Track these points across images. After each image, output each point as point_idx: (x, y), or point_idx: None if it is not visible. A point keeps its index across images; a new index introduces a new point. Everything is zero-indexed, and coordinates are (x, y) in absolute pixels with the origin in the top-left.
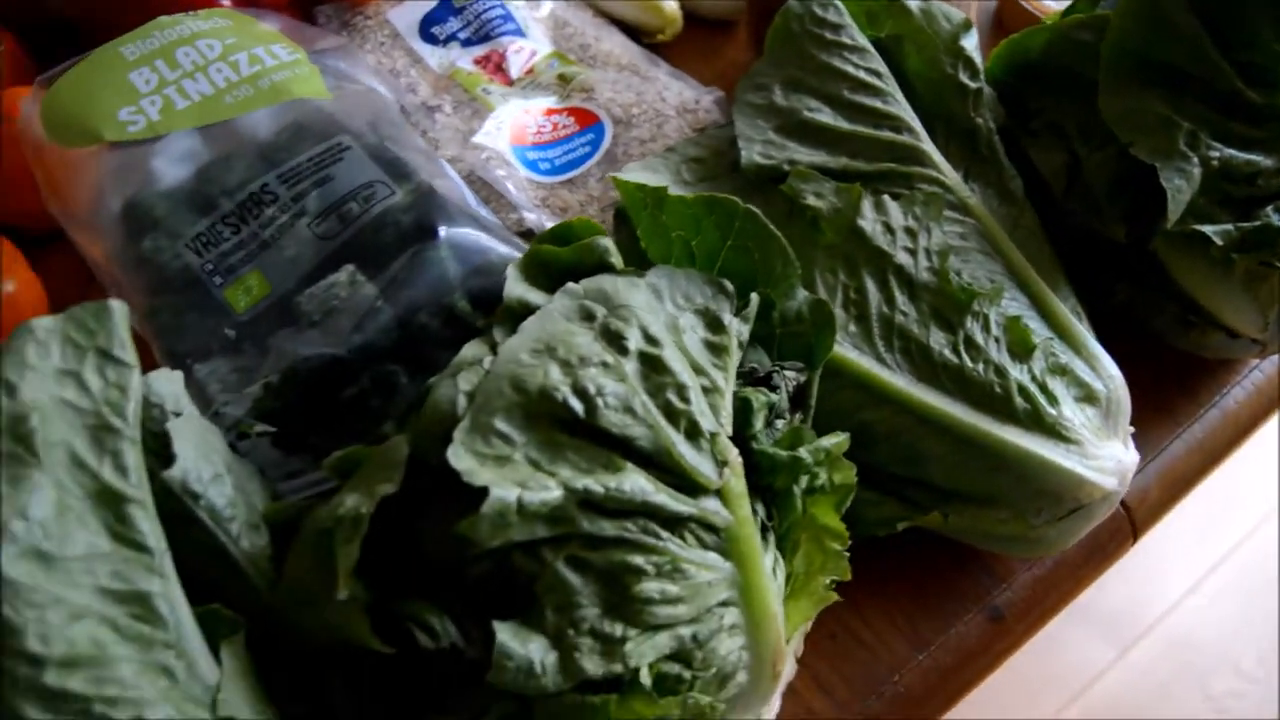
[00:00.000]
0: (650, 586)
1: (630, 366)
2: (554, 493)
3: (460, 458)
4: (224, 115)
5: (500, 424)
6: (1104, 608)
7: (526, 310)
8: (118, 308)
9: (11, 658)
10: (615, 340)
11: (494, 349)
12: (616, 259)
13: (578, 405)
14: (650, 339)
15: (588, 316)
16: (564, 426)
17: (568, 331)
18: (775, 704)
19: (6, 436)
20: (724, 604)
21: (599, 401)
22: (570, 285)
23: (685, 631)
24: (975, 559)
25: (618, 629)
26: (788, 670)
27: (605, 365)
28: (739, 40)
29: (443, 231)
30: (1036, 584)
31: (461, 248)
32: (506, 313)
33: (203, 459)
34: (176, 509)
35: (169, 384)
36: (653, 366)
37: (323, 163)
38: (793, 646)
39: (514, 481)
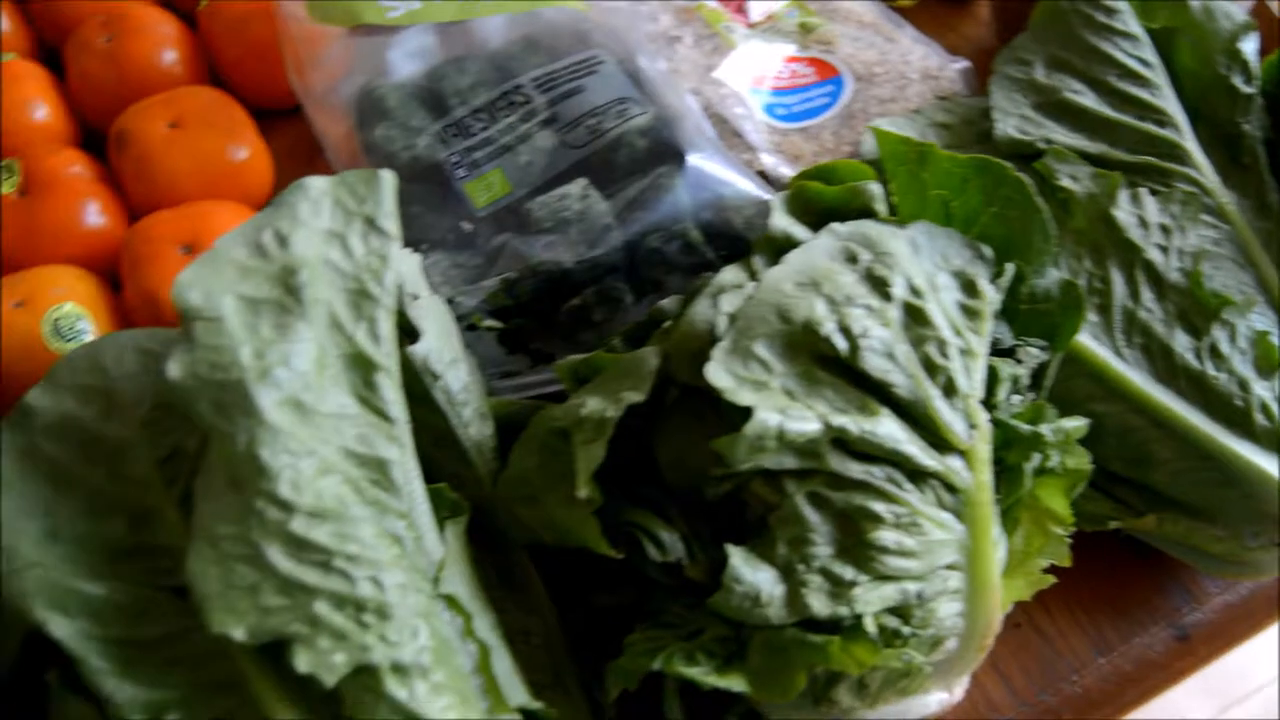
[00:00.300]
0: (886, 535)
1: (894, 313)
2: (813, 425)
3: (719, 376)
4: (485, 12)
5: (760, 349)
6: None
7: (789, 243)
8: (388, 178)
9: (263, 500)
10: (880, 285)
11: (754, 276)
12: (881, 206)
13: (842, 343)
14: (914, 290)
15: (851, 258)
16: (823, 362)
17: (832, 269)
18: (967, 680)
19: (278, 284)
20: (950, 566)
21: (862, 343)
22: (835, 225)
23: (911, 587)
24: (1170, 572)
25: (848, 572)
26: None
27: (869, 308)
28: (976, 15)
29: (688, 159)
30: (1228, 610)
31: (702, 178)
32: (768, 243)
33: (444, 341)
34: (414, 386)
35: (408, 264)
36: (915, 317)
37: (577, 72)
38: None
39: (774, 408)
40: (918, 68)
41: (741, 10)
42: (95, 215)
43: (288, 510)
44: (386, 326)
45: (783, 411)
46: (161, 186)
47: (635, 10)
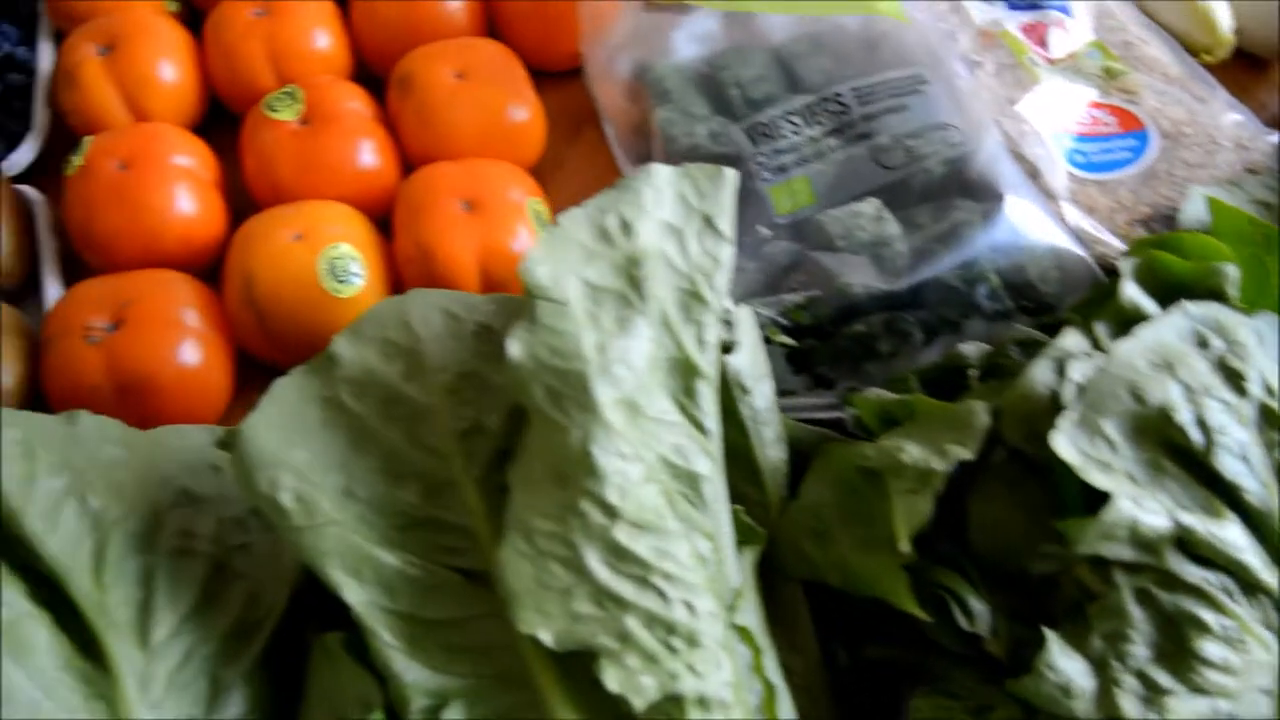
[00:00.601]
0: (1210, 648)
1: (1249, 411)
2: (1163, 520)
3: (1068, 450)
4: (805, 9)
5: (1109, 428)
6: None
7: (1137, 315)
8: (730, 178)
9: (589, 501)
10: (1234, 378)
11: (1096, 344)
12: (1233, 291)
13: (1197, 436)
14: (1269, 389)
15: (1202, 343)
16: (1172, 452)
17: (1184, 353)
18: None
19: (621, 274)
20: (1263, 691)
21: (1219, 439)
22: (1187, 305)
23: (1224, 705)
24: None
25: (1164, 679)
26: None
27: (1226, 403)
28: (1273, 81)
29: (1007, 201)
30: None
31: (1013, 221)
32: (1115, 312)
33: (755, 354)
34: (722, 398)
35: None
36: (1269, 420)
37: (900, 90)
38: None
39: (1129, 496)
40: (1229, 135)
41: (1043, 43)
42: (370, 154)
43: (612, 516)
44: (713, 333)
45: (1136, 501)
46: (441, 136)
47: (943, 28)
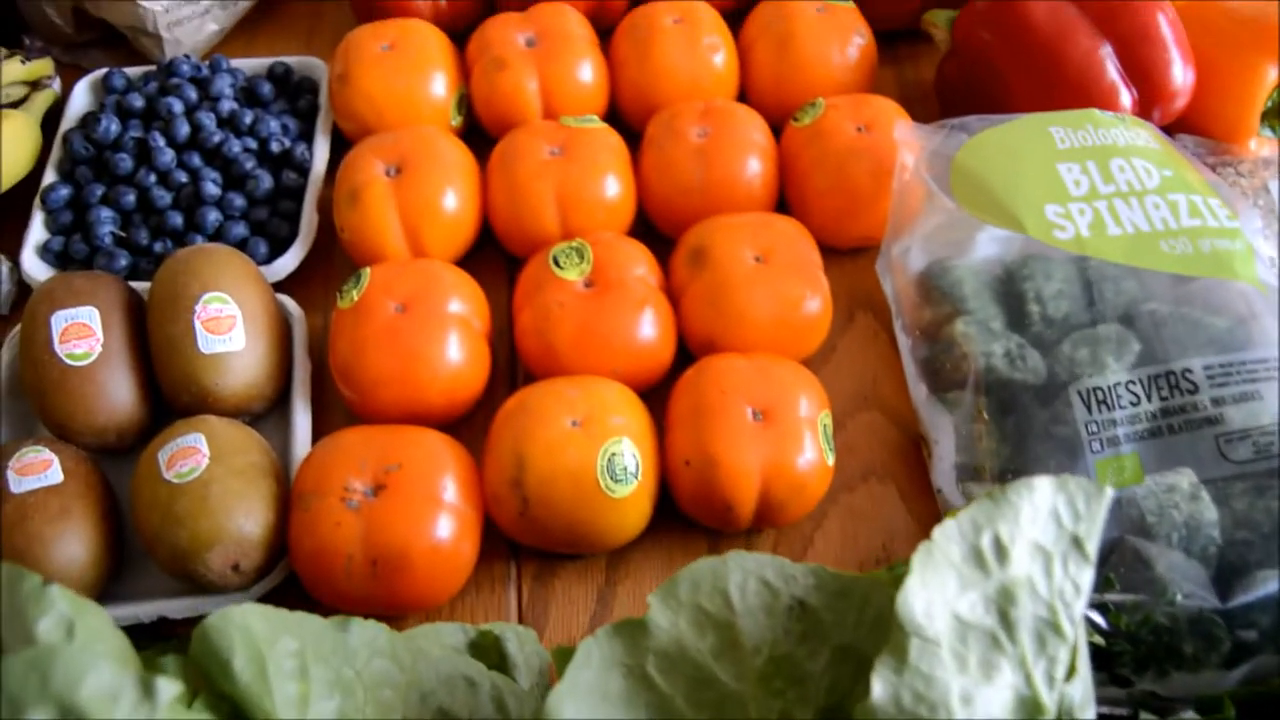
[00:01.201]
0: None
1: None
2: None
3: None
4: (1154, 263)
5: None
6: None
7: None
8: (1108, 499)
9: None
10: None
11: None
12: None
13: None
14: None
15: None
16: None
17: None
18: None
19: (992, 608)
20: None
21: None
22: None
23: None
24: None
25: None
26: None
27: None
28: None
29: None
30: None
31: None
32: None
33: (1088, 679)
34: None
35: None
36: None
37: (1255, 374)
38: None
39: None
40: None
41: None
42: (651, 327)
43: None
44: (1063, 669)
45: None
46: (731, 321)
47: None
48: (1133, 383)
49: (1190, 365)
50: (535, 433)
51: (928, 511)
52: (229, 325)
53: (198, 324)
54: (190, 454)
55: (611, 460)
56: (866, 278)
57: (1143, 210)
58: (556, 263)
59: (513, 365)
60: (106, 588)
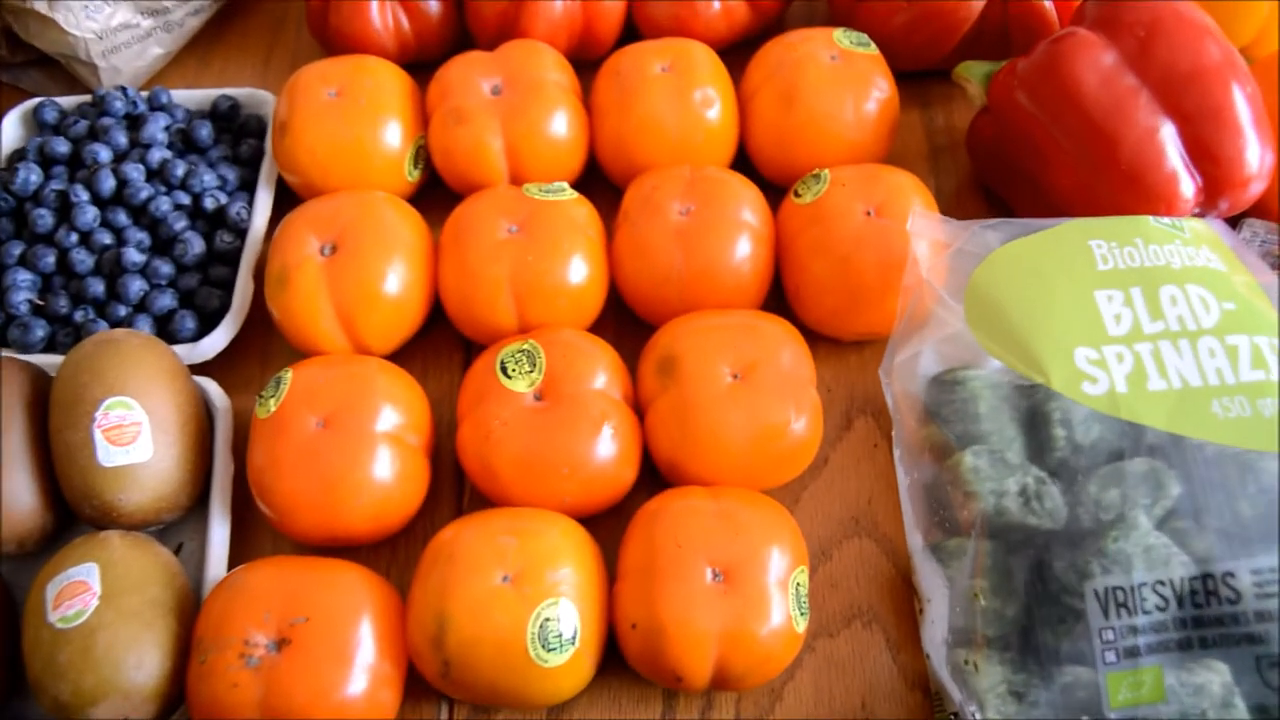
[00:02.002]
0: None
1: None
2: None
3: None
4: (1202, 430)
5: None
6: None
7: None
8: None
9: None
10: None
11: None
12: None
13: None
14: None
15: None
16: None
17: None
18: None
19: None
20: None
21: None
22: None
23: None
24: None
25: None
26: None
27: None
28: None
29: None
30: None
31: None
32: None
33: None
34: None
35: None
36: None
37: None
38: None
39: None
40: None
41: None
42: (608, 447)
43: None
44: None
45: None
46: (701, 447)
47: None
48: (1161, 584)
49: (1233, 569)
50: (460, 588)
51: (916, 666)
52: (133, 435)
53: (98, 433)
54: (79, 592)
55: (544, 626)
56: (870, 375)
57: (1194, 358)
58: (504, 370)
59: (460, 471)
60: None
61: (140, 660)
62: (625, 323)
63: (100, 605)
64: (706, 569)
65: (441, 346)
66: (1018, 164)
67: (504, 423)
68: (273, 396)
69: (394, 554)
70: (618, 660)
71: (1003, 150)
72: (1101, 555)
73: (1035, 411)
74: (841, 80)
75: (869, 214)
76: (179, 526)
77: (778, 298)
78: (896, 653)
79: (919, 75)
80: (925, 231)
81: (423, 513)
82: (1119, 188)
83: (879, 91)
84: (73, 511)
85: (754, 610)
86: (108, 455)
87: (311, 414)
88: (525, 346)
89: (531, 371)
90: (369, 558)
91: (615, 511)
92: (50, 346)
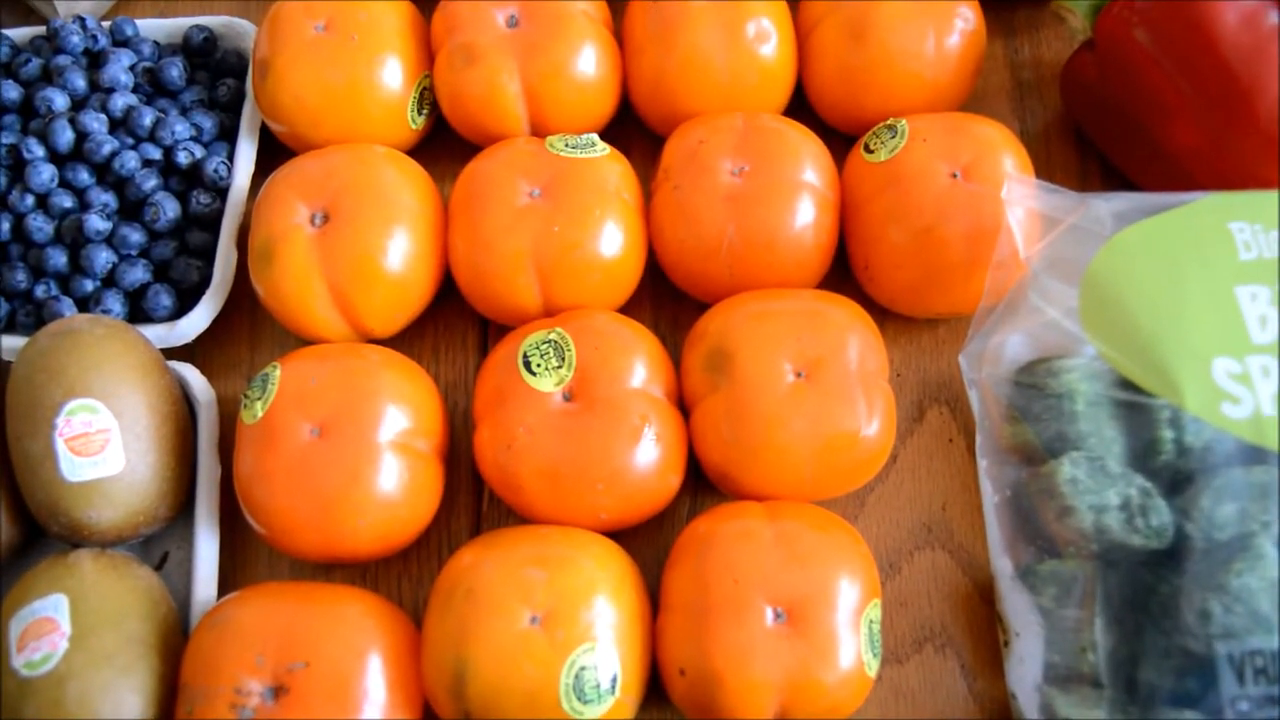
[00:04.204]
0: None
1: None
2: None
3: None
4: None
5: None
6: None
7: None
8: None
9: None
10: None
11: None
12: None
13: None
14: None
15: None
16: None
17: None
18: None
19: None
20: None
21: None
22: None
23: None
24: None
25: None
26: None
27: None
28: None
29: None
30: None
31: None
32: None
33: None
34: None
35: None
36: None
37: None
38: None
39: None
40: None
41: None
42: (649, 454)
43: None
44: None
45: None
46: (756, 456)
47: None
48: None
49: None
50: (481, 631)
51: (994, 694)
52: (101, 443)
53: (60, 444)
54: (46, 631)
55: (580, 676)
56: (945, 358)
57: None
58: (527, 364)
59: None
60: None
61: (118, 710)
62: (663, 295)
63: (70, 649)
64: (767, 609)
65: (455, 323)
66: (1127, 112)
67: (529, 430)
68: (259, 399)
69: (405, 566)
70: (659, 695)
71: (1109, 95)
72: (1223, 592)
73: (1139, 407)
74: (920, 9)
75: (954, 176)
76: (163, 534)
77: (840, 266)
78: (973, 680)
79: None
80: (1022, 200)
81: (438, 519)
82: (1254, 149)
83: (963, 22)
84: (40, 527)
85: (821, 656)
86: (73, 469)
87: (305, 420)
88: (552, 336)
89: (560, 367)
90: (377, 571)
91: (656, 518)
92: (10, 327)
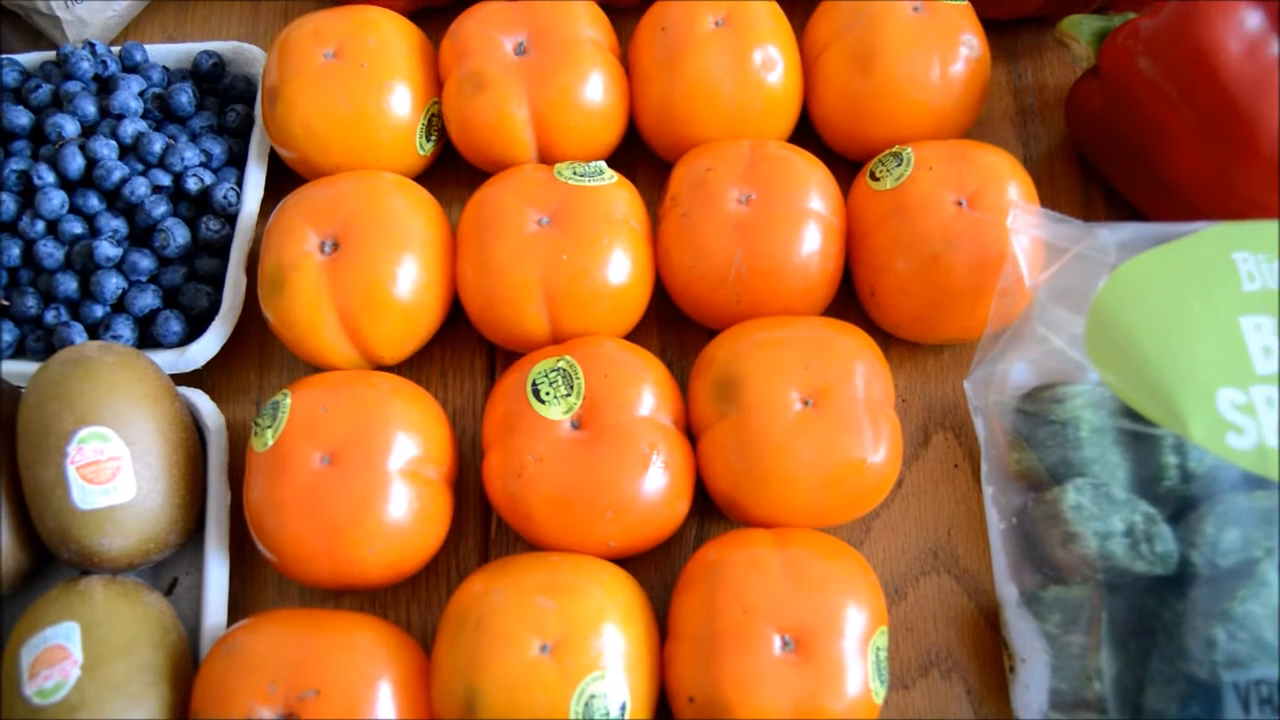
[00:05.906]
0: None
1: None
2: None
3: None
4: None
5: None
6: None
7: None
8: None
9: None
10: None
11: None
12: None
13: None
14: None
15: None
16: None
17: None
18: None
19: None
20: None
21: None
22: None
23: None
24: None
25: None
26: None
27: None
28: None
29: None
30: None
31: None
32: None
33: None
34: None
35: None
36: None
37: None
38: None
39: None
40: None
41: None
42: (657, 483)
43: None
44: None
45: None
46: (764, 485)
47: None
48: None
49: None
50: (491, 660)
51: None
52: (112, 471)
53: (72, 471)
54: (58, 659)
55: (590, 704)
56: (950, 383)
57: None
58: (536, 392)
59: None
60: None
61: None
62: (670, 321)
63: (82, 677)
64: (775, 637)
65: (462, 349)
66: (1130, 140)
67: (538, 458)
68: (270, 426)
69: (414, 592)
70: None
71: (1112, 122)
72: (1227, 619)
73: (1143, 433)
74: (926, 36)
75: (960, 204)
76: (173, 560)
77: (845, 289)
78: (979, 706)
79: (1006, 24)
80: (1027, 228)
81: (446, 545)
82: (1257, 178)
83: (968, 50)
84: (51, 553)
85: (829, 684)
86: (85, 497)
87: (315, 448)
88: (560, 364)
89: (569, 395)
90: (386, 597)
91: (663, 544)
92: (19, 352)
